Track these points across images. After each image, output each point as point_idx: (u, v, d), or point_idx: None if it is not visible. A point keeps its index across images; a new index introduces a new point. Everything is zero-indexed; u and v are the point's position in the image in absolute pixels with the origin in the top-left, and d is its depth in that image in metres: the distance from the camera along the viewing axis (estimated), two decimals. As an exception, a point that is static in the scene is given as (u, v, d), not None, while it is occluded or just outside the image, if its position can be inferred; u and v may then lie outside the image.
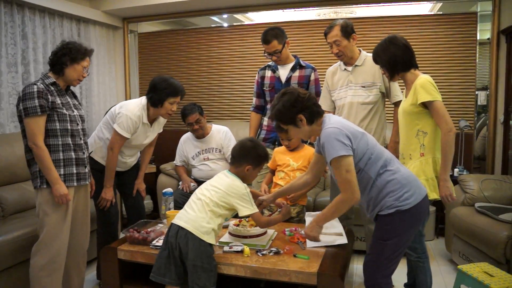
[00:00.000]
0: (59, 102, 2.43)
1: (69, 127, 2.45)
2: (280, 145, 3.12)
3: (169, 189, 2.84)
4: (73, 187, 2.48)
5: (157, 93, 2.87)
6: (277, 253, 2.20)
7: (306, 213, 2.63)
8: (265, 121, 3.28)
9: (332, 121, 2.03)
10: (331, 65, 3.06)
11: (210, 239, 2.08)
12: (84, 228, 2.66)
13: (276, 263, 2.09)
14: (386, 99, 2.92)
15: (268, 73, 3.24)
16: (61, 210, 2.43)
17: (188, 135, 3.80)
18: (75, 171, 2.48)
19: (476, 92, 4.03)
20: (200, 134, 3.67)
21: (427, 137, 2.32)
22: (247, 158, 2.23)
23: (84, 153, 2.55)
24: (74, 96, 2.64)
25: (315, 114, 2.06)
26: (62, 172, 2.42)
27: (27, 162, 2.46)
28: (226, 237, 2.41)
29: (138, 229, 2.46)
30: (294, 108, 2.04)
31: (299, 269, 2.02)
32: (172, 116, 4.78)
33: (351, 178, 1.93)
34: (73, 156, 2.48)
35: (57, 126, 2.41)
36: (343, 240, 2.32)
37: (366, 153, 1.99)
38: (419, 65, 2.41)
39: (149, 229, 2.49)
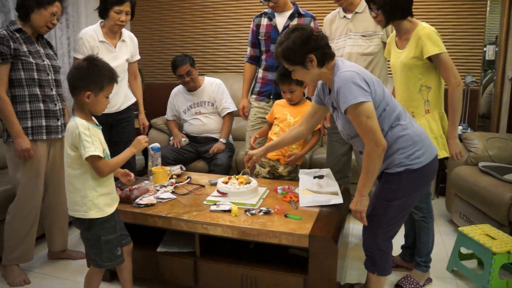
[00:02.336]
0: (25, 50, 2.26)
1: (35, 77, 2.29)
2: (276, 99, 2.94)
3: (156, 144, 2.69)
4: (43, 140, 2.35)
5: (102, 3, 2.73)
6: (267, 212, 2.07)
7: (300, 170, 2.48)
8: (260, 73, 3.07)
9: (346, 65, 1.82)
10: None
11: (85, 213, 1.83)
12: (62, 184, 2.49)
13: (266, 223, 1.96)
14: None
15: (264, 21, 3.00)
16: (31, 165, 2.31)
17: (179, 88, 3.61)
18: (44, 124, 2.33)
19: (485, 48, 3.79)
20: (192, 87, 3.48)
21: (431, 92, 2.13)
22: (84, 81, 1.78)
23: (56, 105, 2.39)
24: (49, 45, 2.46)
25: (327, 56, 1.84)
26: (29, 125, 2.28)
27: None
28: (213, 195, 2.28)
29: (122, 186, 2.32)
30: (305, 46, 1.81)
31: (290, 230, 1.89)
32: (162, 69, 4.66)
33: (373, 125, 1.73)
34: (42, 108, 2.32)
35: (22, 75, 2.25)
36: (339, 199, 2.19)
37: (382, 102, 1.80)
38: (423, 15, 2.18)
39: (134, 186, 2.36)
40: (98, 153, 1.76)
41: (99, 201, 1.84)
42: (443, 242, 2.83)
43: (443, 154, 2.12)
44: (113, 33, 2.85)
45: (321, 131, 2.80)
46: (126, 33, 2.97)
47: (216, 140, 3.49)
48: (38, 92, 2.32)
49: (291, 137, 2.27)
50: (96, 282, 1.97)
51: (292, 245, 1.91)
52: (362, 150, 1.87)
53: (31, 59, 2.27)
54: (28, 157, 2.27)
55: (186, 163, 3.42)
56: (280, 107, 2.81)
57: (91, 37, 2.78)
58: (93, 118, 1.90)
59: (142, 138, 2.02)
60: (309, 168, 3.30)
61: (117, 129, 2.99)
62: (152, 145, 2.67)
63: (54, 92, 2.39)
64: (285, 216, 2.04)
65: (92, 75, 1.79)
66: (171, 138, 3.59)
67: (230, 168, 3.38)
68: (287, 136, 2.29)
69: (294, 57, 1.85)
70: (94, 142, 1.77)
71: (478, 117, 3.90)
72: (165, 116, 3.74)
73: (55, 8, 2.30)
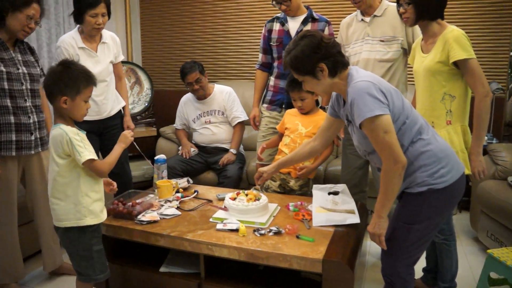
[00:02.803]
0: None
1: (6, 87, 2.13)
2: (288, 108, 2.79)
3: (162, 156, 2.55)
4: (13, 157, 2.19)
5: (76, 8, 2.58)
6: (277, 233, 1.91)
7: (314, 186, 2.32)
8: (272, 81, 2.92)
9: (361, 74, 1.66)
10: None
11: (80, 221, 1.78)
12: (46, 203, 2.31)
13: (276, 245, 1.80)
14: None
15: (276, 26, 2.86)
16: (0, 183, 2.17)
17: (188, 96, 3.48)
18: (14, 138, 2.17)
19: (511, 53, 3.58)
20: (201, 95, 3.35)
21: (455, 101, 1.95)
22: (59, 86, 1.72)
23: (30, 117, 2.22)
24: (30, 51, 2.30)
25: (339, 65, 1.69)
26: None
27: None
28: (220, 212, 2.13)
29: (124, 201, 2.19)
30: (315, 54, 1.66)
31: (302, 254, 1.73)
32: (172, 75, 4.54)
33: (392, 140, 1.56)
34: (12, 121, 2.16)
35: None
36: (355, 219, 2.01)
37: (401, 115, 1.63)
38: (447, 19, 2.02)
39: (137, 201, 2.22)
40: (93, 156, 1.74)
41: (94, 207, 1.80)
42: (468, 263, 2.63)
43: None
44: (92, 37, 2.69)
45: (334, 142, 2.64)
46: (107, 34, 2.79)
47: (226, 150, 3.34)
48: (9, 104, 2.15)
49: (304, 152, 2.12)
50: None
51: (304, 270, 1.75)
52: (380, 167, 1.71)
53: (1, 68, 2.11)
54: None
55: (195, 175, 3.29)
56: (291, 117, 2.66)
57: (69, 45, 2.63)
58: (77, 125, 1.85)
59: (127, 132, 1.99)
60: (323, 181, 3.15)
61: (108, 136, 2.82)
62: (157, 156, 2.54)
63: (28, 104, 2.22)
64: (297, 237, 1.87)
65: (67, 79, 1.72)
66: (180, 148, 3.46)
67: (241, 180, 3.23)
68: (301, 152, 2.13)
69: (303, 66, 1.70)
70: (86, 146, 1.75)
71: (504, 126, 3.68)
72: (174, 125, 3.61)
73: (32, 10, 2.14)
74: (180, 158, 3.29)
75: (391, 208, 1.69)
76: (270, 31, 2.87)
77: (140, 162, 3.73)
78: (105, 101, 2.74)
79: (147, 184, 3.59)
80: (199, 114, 3.41)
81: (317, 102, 2.92)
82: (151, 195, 2.36)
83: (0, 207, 2.22)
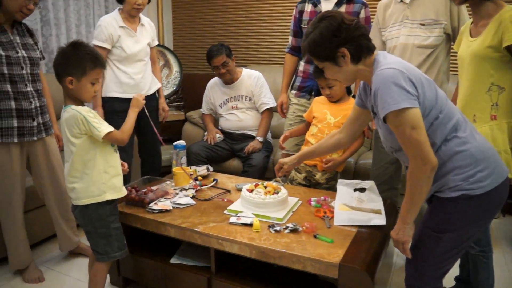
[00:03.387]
0: None
1: (5, 71, 2.04)
2: (318, 95, 2.61)
3: (181, 142, 2.45)
4: (15, 143, 2.13)
5: None
6: (294, 230, 1.77)
7: (339, 180, 2.15)
8: (301, 65, 2.75)
9: (389, 61, 1.47)
10: (387, 0, 2.43)
11: (99, 197, 1.78)
12: (55, 188, 2.34)
13: (290, 244, 1.66)
14: (452, 44, 2.29)
15: (308, 7, 2.67)
16: (2, 169, 2.14)
17: (215, 80, 3.36)
18: (15, 125, 2.10)
19: None
20: (228, 79, 3.22)
21: (504, 94, 1.72)
22: (65, 67, 1.70)
23: (31, 102, 2.14)
24: (29, 33, 2.21)
25: (363, 49, 1.51)
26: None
27: None
28: (237, 204, 2.01)
29: (138, 188, 2.11)
30: (335, 38, 1.49)
31: (317, 256, 1.58)
32: (203, 59, 4.41)
33: (420, 138, 1.37)
34: (13, 107, 2.09)
35: None
36: (381, 220, 1.83)
37: (433, 108, 1.44)
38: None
39: (153, 188, 2.14)
40: (110, 128, 1.75)
41: (113, 182, 1.81)
42: (510, 273, 2.39)
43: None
44: (132, 17, 2.77)
45: (365, 133, 2.45)
46: (144, 18, 2.89)
47: (252, 138, 3.21)
48: (9, 89, 2.07)
49: (329, 145, 1.95)
50: (102, 279, 1.87)
51: (319, 274, 1.60)
52: (408, 166, 1.53)
53: (0, 52, 2.03)
54: None
55: (219, 161, 3.19)
56: (320, 105, 2.49)
57: (109, 24, 2.71)
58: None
59: (138, 95, 1.98)
60: (353, 175, 2.96)
61: (143, 118, 2.75)
62: (176, 142, 2.44)
63: (29, 89, 2.14)
64: (315, 236, 1.73)
65: (74, 59, 1.70)
66: (205, 133, 3.36)
67: (266, 169, 3.09)
68: (325, 144, 1.97)
69: (322, 52, 1.53)
70: (101, 121, 1.75)
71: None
72: (201, 109, 3.50)
73: None
74: (205, 144, 3.19)
75: (422, 208, 1.51)
76: (301, 12, 2.70)
77: (169, 146, 3.68)
78: (143, 79, 2.83)
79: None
80: (226, 99, 3.28)
81: (349, 91, 2.73)
82: (168, 182, 2.27)
83: (3, 194, 2.18)
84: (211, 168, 2.50)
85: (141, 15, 2.83)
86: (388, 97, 1.39)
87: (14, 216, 2.22)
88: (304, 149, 2.13)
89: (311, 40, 1.54)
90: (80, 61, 1.69)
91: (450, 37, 2.23)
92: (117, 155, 1.86)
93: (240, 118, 3.25)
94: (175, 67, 4.08)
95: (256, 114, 3.27)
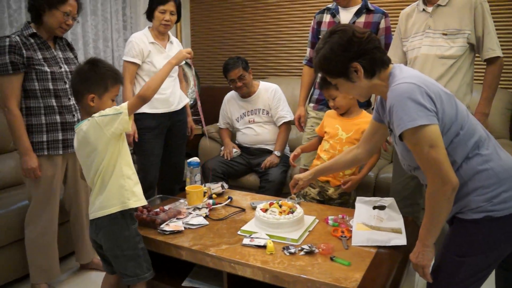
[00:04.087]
0: (39, 57, 2.12)
1: (51, 87, 2.15)
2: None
3: (195, 159, 2.41)
4: (59, 155, 2.22)
5: (148, 5, 2.77)
6: (309, 252, 1.69)
7: (358, 198, 2.05)
8: (319, 78, 2.68)
9: (405, 74, 1.40)
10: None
11: (124, 204, 1.71)
12: (85, 197, 2.41)
13: (305, 268, 1.58)
14: (477, 55, 2.18)
15: (327, 18, 2.61)
16: (45, 181, 2.18)
17: (232, 94, 3.32)
18: (61, 137, 2.19)
19: None
20: (245, 93, 3.18)
21: None
22: (86, 84, 1.68)
23: (74, 116, 2.24)
24: (69, 47, 2.30)
25: (377, 63, 1.44)
26: (45, 139, 2.14)
27: None
28: (251, 225, 1.94)
29: (149, 207, 2.07)
30: (346, 53, 1.43)
31: (333, 281, 1.49)
32: (218, 71, 4.40)
33: (439, 157, 1.29)
34: (58, 120, 2.18)
35: (36, 86, 2.12)
36: (401, 240, 1.74)
37: (453, 125, 1.36)
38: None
39: (165, 207, 2.09)
40: (126, 103, 1.67)
41: (136, 189, 1.75)
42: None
43: None
44: (161, 34, 2.81)
45: (382, 146, 2.36)
46: (173, 37, 2.95)
47: (270, 152, 3.15)
48: (54, 104, 2.17)
49: (346, 161, 1.88)
50: None
51: (336, 299, 1.51)
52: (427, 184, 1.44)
53: (46, 68, 2.13)
54: (34, 176, 2.13)
55: (236, 177, 3.14)
56: (331, 119, 2.41)
57: (140, 40, 2.75)
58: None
59: (185, 50, 1.94)
60: (374, 190, 2.86)
61: (174, 132, 2.95)
62: (190, 159, 2.40)
63: (72, 102, 2.24)
64: (331, 259, 1.64)
65: (95, 76, 1.68)
66: (222, 148, 3.32)
67: (284, 185, 3.01)
68: (342, 160, 1.90)
69: (334, 68, 1.47)
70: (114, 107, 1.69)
71: None
72: (218, 123, 3.47)
73: (68, 7, 2.13)
74: (221, 160, 3.15)
75: (443, 228, 1.42)
76: (319, 23, 2.64)
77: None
78: (172, 95, 2.86)
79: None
80: (243, 113, 3.24)
81: (368, 103, 2.64)
82: (181, 201, 2.22)
83: (41, 203, 2.23)
84: (226, 186, 2.44)
85: (170, 33, 2.91)
86: (403, 113, 1.32)
87: (51, 228, 2.28)
88: (320, 165, 2.05)
89: (321, 56, 1.48)
90: (102, 78, 1.68)
91: (474, 47, 2.13)
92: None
93: (257, 132, 3.20)
94: (192, 81, 4.07)
95: (273, 128, 3.21)
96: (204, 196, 2.22)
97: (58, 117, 2.19)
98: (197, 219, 2.01)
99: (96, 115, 1.65)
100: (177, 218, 2.02)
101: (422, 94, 1.32)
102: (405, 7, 2.35)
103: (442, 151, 1.30)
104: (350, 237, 1.81)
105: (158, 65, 2.74)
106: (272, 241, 1.75)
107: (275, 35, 4.11)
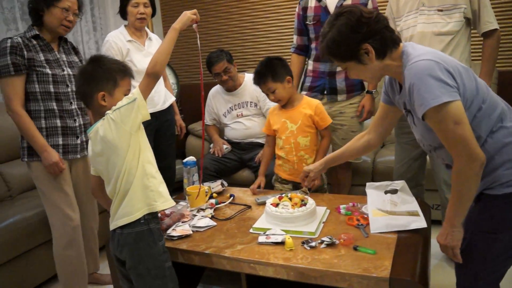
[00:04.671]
0: (41, 59, 2.04)
1: (52, 90, 2.08)
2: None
3: (192, 158, 2.29)
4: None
5: (120, 2, 2.67)
6: (331, 244, 1.61)
7: (368, 184, 2.00)
8: (310, 65, 2.62)
9: (420, 51, 1.33)
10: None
11: (151, 207, 1.55)
12: (89, 207, 2.33)
13: (331, 261, 1.51)
14: (473, 29, 2.16)
15: (312, 3, 2.54)
16: (57, 185, 2.12)
17: (217, 88, 3.21)
18: (61, 142, 2.12)
19: None
20: (231, 86, 3.07)
21: None
22: (94, 83, 1.54)
23: (75, 120, 2.14)
24: (74, 51, 2.23)
25: (388, 43, 1.38)
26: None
27: None
28: (262, 221, 1.85)
29: (152, 213, 1.94)
30: (356, 34, 1.36)
31: (363, 271, 1.42)
32: (198, 68, 4.27)
33: (465, 133, 1.24)
34: (59, 124, 2.10)
35: (36, 88, 2.05)
36: (421, 222, 1.68)
37: (475, 99, 1.31)
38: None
39: (167, 211, 1.97)
40: (136, 89, 1.53)
41: (162, 189, 1.60)
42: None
43: None
44: (138, 30, 2.68)
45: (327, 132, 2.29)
46: (151, 34, 2.84)
47: (262, 145, 3.04)
48: (55, 107, 2.09)
49: (358, 147, 1.81)
50: None
51: (367, 291, 1.45)
52: (449, 164, 1.39)
53: (47, 70, 2.06)
54: (59, 171, 2.08)
55: (229, 174, 3.04)
56: (276, 116, 2.32)
57: (118, 39, 2.62)
58: None
59: (189, 11, 1.73)
60: (372, 176, 2.82)
61: (161, 133, 2.82)
62: (186, 159, 2.28)
63: (74, 106, 2.17)
64: (355, 249, 1.57)
65: (101, 73, 1.54)
66: (211, 145, 3.20)
67: (273, 176, 2.93)
68: (353, 146, 1.83)
69: (343, 51, 1.40)
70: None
71: None
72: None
73: (66, 2, 2.04)
74: (212, 157, 3.04)
75: None
76: (305, 8, 2.56)
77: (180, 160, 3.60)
78: (156, 94, 2.73)
79: (178, 184, 3.38)
80: (230, 107, 3.13)
81: (362, 86, 2.59)
82: (182, 203, 2.11)
83: (56, 211, 2.15)
84: (225, 183, 2.34)
85: (147, 29, 2.78)
86: (426, 92, 1.26)
87: (72, 232, 2.20)
88: (330, 154, 1.98)
89: (329, 40, 1.40)
90: (109, 72, 1.55)
91: (470, 22, 2.10)
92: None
93: (247, 126, 3.10)
94: (170, 79, 3.92)
95: (263, 120, 3.11)
96: (206, 196, 2.11)
97: (58, 121, 2.11)
98: (204, 221, 1.90)
99: (109, 112, 1.51)
100: (182, 222, 1.90)
101: (441, 70, 1.26)
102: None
103: (467, 127, 1.26)
104: (367, 224, 1.75)
105: (139, 64, 2.60)
106: (290, 236, 1.66)
107: (251, 26, 4.01)
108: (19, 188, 2.77)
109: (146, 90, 1.53)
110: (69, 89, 2.14)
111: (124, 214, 1.54)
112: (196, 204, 2.05)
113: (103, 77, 1.54)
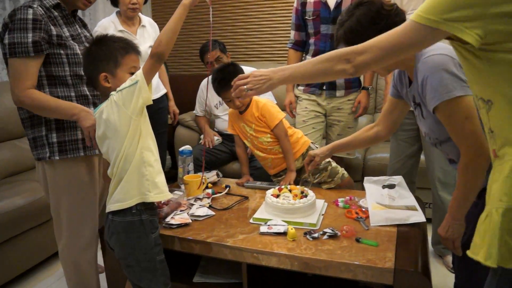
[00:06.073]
0: (67, 34, 1.70)
1: (83, 72, 1.69)
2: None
3: (187, 147, 2.26)
4: (96, 155, 1.84)
5: None
6: (333, 236, 1.62)
7: (366, 178, 2.02)
8: (308, 60, 2.61)
9: (433, 46, 1.33)
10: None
11: (144, 196, 1.48)
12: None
13: (334, 252, 1.51)
14: None
15: None
16: (84, 184, 1.79)
17: (209, 80, 3.16)
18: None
19: None
20: (224, 78, 3.04)
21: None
22: (95, 65, 1.47)
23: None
24: (83, 24, 1.89)
25: None
26: (80, 136, 1.75)
27: (21, 122, 1.76)
28: (262, 212, 1.84)
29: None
30: (374, 25, 1.35)
31: (368, 262, 1.44)
32: (188, 59, 4.23)
33: (475, 128, 1.26)
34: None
35: (66, 71, 1.69)
36: (420, 216, 1.71)
37: None
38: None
39: (163, 201, 1.94)
40: (139, 70, 1.44)
41: (159, 179, 1.51)
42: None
43: None
44: (130, 19, 2.61)
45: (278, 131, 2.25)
46: (145, 19, 2.73)
47: (253, 138, 3.05)
48: (87, 93, 1.77)
49: (366, 137, 1.83)
50: None
51: (371, 281, 1.46)
52: (454, 159, 1.41)
53: (76, 48, 1.71)
54: (93, 133, 1.62)
55: (220, 165, 3.02)
56: (235, 120, 2.34)
57: (107, 29, 2.55)
58: None
59: None
60: (362, 172, 2.85)
61: (155, 120, 2.63)
62: (182, 148, 2.25)
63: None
64: (357, 240, 1.59)
65: (101, 53, 1.47)
66: (201, 136, 3.17)
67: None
68: (362, 136, 1.84)
69: (360, 41, 1.39)
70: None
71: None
72: (194, 111, 3.31)
73: None
74: (202, 148, 3.00)
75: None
76: (304, 4, 2.55)
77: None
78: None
79: (167, 175, 3.33)
80: (222, 99, 3.10)
81: (359, 83, 2.61)
82: (179, 192, 2.08)
83: (79, 213, 1.82)
84: (220, 174, 2.33)
85: (141, 15, 2.68)
86: (439, 85, 1.27)
87: (90, 239, 1.91)
88: (338, 140, 1.98)
89: (347, 29, 1.41)
90: (109, 51, 1.46)
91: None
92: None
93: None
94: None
95: (255, 113, 3.10)
96: (202, 185, 2.09)
97: (93, 109, 1.73)
98: (202, 210, 1.88)
99: (113, 93, 1.45)
100: (180, 211, 1.87)
101: (455, 65, 1.28)
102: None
103: (477, 122, 1.28)
104: (366, 217, 1.77)
105: None
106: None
107: (244, 19, 3.97)
108: (4, 173, 2.68)
109: (150, 72, 1.44)
110: None
111: (117, 200, 1.49)
112: (192, 194, 2.03)
113: (103, 57, 1.47)
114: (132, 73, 1.48)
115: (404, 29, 1.02)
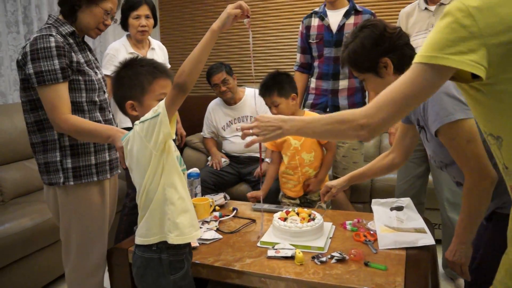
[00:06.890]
0: (81, 60, 1.71)
1: (96, 98, 1.75)
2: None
3: (195, 170, 2.27)
4: (107, 180, 1.82)
5: (121, 14, 2.59)
6: (341, 260, 1.60)
7: (373, 200, 2.01)
8: (313, 82, 2.65)
9: None
10: (395, 10, 2.36)
11: (163, 236, 1.37)
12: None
13: (343, 277, 1.50)
14: None
15: (315, 22, 2.58)
16: (95, 208, 1.78)
17: (217, 102, 3.21)
18: (107, 158, 1.81)
19: None
20: (230, 99, 3.08)
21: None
22: (122, 91, 1.40)
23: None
24: (88, 48, 1.89)
25: (406, 59, 1.39)
26: (93, 161, 1.75)
27: (31, 147, 1.75)
28: (269, 235, 1.83)
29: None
30: (377, 47, 1.40)
31: (376, 287, 1.42)
32: (199, 80, 4.26)
33: (477, 151, 1.27)
34: None
35: (83, 98, 1.70)
36: (429, 239, 1.69)
37: None
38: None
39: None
40: (162, 101, 1.29)
41: (180, 219, 1.36)
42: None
43: None
44: (140, 42, 2.66)
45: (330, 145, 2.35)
46: (155, 42, 2.79)
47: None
48: (101, 118, 1.76)
49: (382, 166, 1.82)
50: None
51: (380, 306, 1.44)
52: (460, 181, 1.41)
53: (92, 75, 1.73)
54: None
55: (227, 187, 3.02)
56: None
57: (118, 51, 2.60)
58: None
59: (231, 5, 1.39)
60: (370, 194, 2.83)
61: None
62: (190, 170, 2.26)
63: (111, 116, 1.87)
64: (365, 264, 1.57)
65: (127, 78, 1.39)
66: (209, 158, 3.18)
67: (279, 193, 2.92)
68: (378, 165, 1.84)
69: (363, 62, 1.44)
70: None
71: None
72: (202, 133, 3.34)
73: (109, 4, 1.73)
74: (210, 170, 3.02)
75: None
76: (308, 27, 2.60)
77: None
78: None
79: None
80: (229, 121, 3.13)
81: (364, 104, 2.61)
82: (186, 215, 2.07)
83: (89, 239, 1.81)
84: (228, 197, 2.33)
85: (151, 38, 2.74)
86: (439, 108, 1.29)
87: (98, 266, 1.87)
88: (354, 171, 1.98)
89: (351, 51, 1.44)
90: (135, 77, 1.38)
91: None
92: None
93: (246, 140, 3.08)
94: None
95: (262, 135, 3.12)
96: (210, 208, 2.09)
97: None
98: (210, 233, 1.87)
99: (136, 122, 1.35)
100: (188, 234, 1.87)
101: (456, 88, 1.30)
102: (388, 9, 2.36)
103: (480, 145, 1.28)
104: (375, 240, 1.75)
105: None
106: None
107: (257, 39, 4.01)
108: (12, 193, 2.70)
109: (172, 104, 1.27)
110: (106, 95, 1.85)
111: (141, 234, 1.41)
112: (201, 216, 2.02)
113: (129, 84, 1.39)
114: (159, 100, 1.35)
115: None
